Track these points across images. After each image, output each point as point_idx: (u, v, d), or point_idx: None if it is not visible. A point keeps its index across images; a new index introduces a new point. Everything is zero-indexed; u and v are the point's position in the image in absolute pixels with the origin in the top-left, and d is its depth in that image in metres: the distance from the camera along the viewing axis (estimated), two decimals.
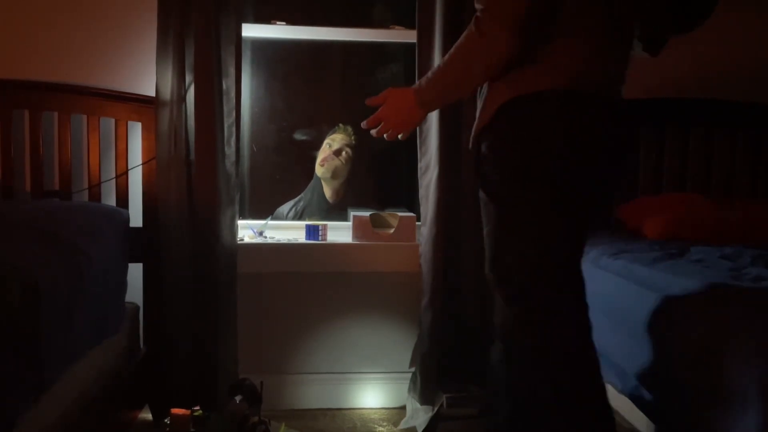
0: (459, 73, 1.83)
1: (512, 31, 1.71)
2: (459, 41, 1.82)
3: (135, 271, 2.75)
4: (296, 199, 3.33)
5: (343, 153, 3.27)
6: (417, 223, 2.98)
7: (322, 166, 3.28)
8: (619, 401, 2.14)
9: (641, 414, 2.02)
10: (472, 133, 1.90)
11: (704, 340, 1.67)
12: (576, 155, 1.75)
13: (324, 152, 3.29)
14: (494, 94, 1.82)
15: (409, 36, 3.05)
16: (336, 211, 3.28)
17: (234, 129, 2.76)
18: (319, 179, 3.32)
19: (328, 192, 3.31)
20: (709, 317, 1.72)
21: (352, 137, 3.29)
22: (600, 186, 1.85)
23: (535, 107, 1.75)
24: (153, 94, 2.72)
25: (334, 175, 3.28)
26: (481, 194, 1.88)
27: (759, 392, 1.48)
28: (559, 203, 1.77)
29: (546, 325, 1.81)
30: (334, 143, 3.28)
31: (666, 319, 1.86)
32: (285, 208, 3.32)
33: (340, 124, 3.31)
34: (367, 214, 2.99)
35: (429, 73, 1.90)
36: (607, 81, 1.82)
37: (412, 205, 3.11)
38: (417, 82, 1.96)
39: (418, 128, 2.83)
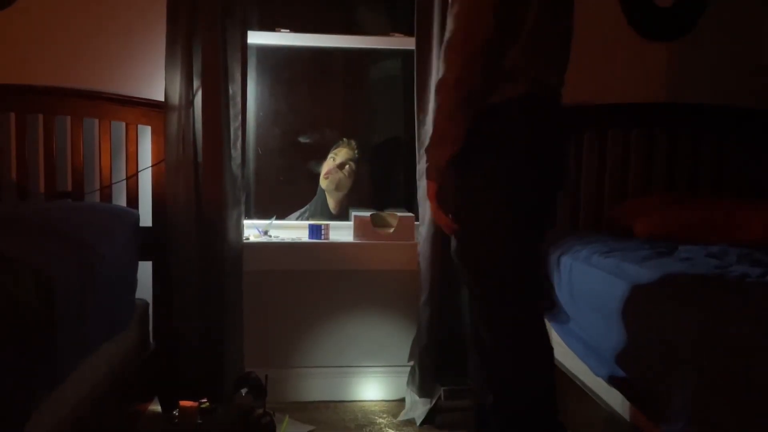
0: (442, 124, 1.84)
1: (470, 67, 1.77)
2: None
3: (145, 269, 2.80)
4: (302, 210, 3.39)
5: (347, 167, 3.32)
6: (416, 222, 3.03)
7: (326, 178, 3.33)
8: (609, 395, 2.20)
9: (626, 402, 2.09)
10: None
11: (692, 332, 1.72)
12: (538, 156, 1.87)
13: (328, 165, 3.34)
14: None
15: (408, 43, 3.10)
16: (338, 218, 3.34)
17: (240, 132, 2.81)
18: (322, 191, 3.37)
19: (331, 203, 3.36)
20: (698, 310, 1.77)
21: (356, 151, 3.34)
22: (554, 185, 1.96)
23: (500, 115, 1.85)
24: (162, 98, 2.78)
25: (338, 187, 3.33)
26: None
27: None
28: (518, 203, 1.87)
29: (496, 307, 1.94)
30: (337, 157, 3.32)
31: (655, 313, 1.90)
32: (292, 218, 3.37)
33: (344, 138, 3.36)
34: (367, 214, 3.04)
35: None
36: (558, 85, 1.94)
37: (411, 205, 3.15)
38: None
39: (417, 132, 2.89)
